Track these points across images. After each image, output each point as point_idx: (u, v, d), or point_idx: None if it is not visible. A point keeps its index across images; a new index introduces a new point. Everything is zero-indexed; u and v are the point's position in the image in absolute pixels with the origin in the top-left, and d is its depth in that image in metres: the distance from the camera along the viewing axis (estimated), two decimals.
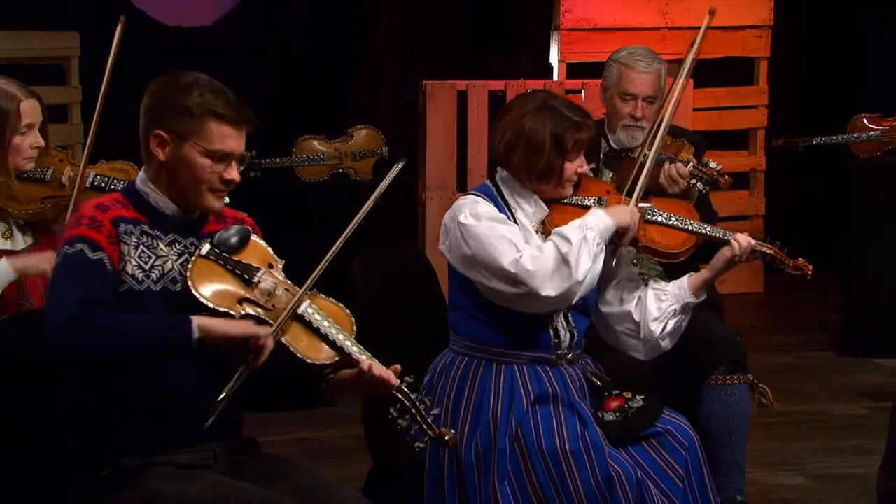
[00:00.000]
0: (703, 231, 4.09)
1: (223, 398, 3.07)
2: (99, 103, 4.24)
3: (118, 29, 4.20)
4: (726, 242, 4.05)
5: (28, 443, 3.35)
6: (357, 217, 3.33)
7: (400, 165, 3.33)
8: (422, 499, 3.87)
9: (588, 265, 3.75)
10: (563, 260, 3.73)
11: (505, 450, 3.77)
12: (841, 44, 8.49)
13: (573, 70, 8.05)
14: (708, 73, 7.89)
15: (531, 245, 3.80)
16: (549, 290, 3.74)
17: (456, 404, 3.87)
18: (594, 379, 3.94)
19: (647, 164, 4.08)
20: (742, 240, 4.04)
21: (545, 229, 3.93)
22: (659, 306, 4.01)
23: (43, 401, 3.29)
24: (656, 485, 3.77)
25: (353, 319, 3.29)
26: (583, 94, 7.42)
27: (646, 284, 4.10)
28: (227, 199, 3.45)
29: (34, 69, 7.17)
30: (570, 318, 3.90)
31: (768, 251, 4.08)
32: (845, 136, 7.08)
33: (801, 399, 6.16)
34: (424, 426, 3.23)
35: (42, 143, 4.09)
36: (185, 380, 3.19)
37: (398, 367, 3.25)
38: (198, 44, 7.82)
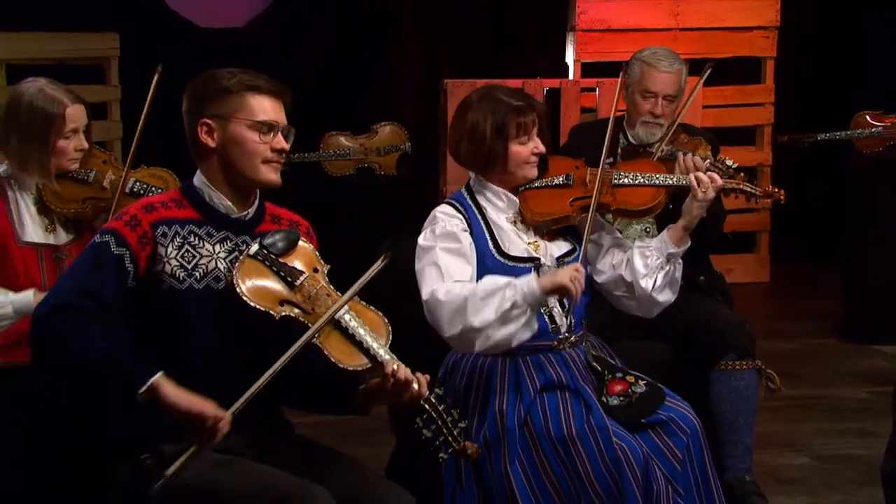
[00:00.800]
0: (669, 182, 4.04)
1: (171, 474, 2.99)
2: (136, 139, 4.23)
3: (154, 78, 4.18)
4: (689, 184, 3.99)
5: (73, 429, 3.34)
6: (373, 269, 3.26)
7: (384, 261, 3.24)
8: (440, 478, 3.83)
9: (489, 317, 3.65)
10: (466, 299, 3.66)
11: (514, 435, 3.75)
12: (844, 43, 8.44)
13: (588, 69, 8.02)
14: (717, 73, 7.82)
15: (461, 281, 3.73)
16: (448, 327, 3.69)
17: (465, 397, 3.84)
18: (594, 363, 3.89)
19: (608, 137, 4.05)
20: (702, 178, 3.97)
21: (524, 218, 3.91)
22: (645, 263, 3.96)
23: (87, 389, 3.25)
24: (660, 470, 3.74)
25: (389, 328, 3.25)
26: (597, 92, 7.40)
27: (632, 245, 4.03)
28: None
29: (76, 69, 7.19)
30: (566, 302, 3.85)
31: (735, 185, 4.03)
32: (848, 133, 7.06)
33: (805, 384, 6.13)
34: (450, 438, 3.18)
35: (86, 145, 4.12)
36: (215, 371, 3.16)
37: (428, 376, 3.21)
38: (229, 45, 7.81)
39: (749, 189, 4.04)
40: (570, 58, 8.12)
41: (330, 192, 7.30)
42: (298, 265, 3.26)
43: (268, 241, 3.26)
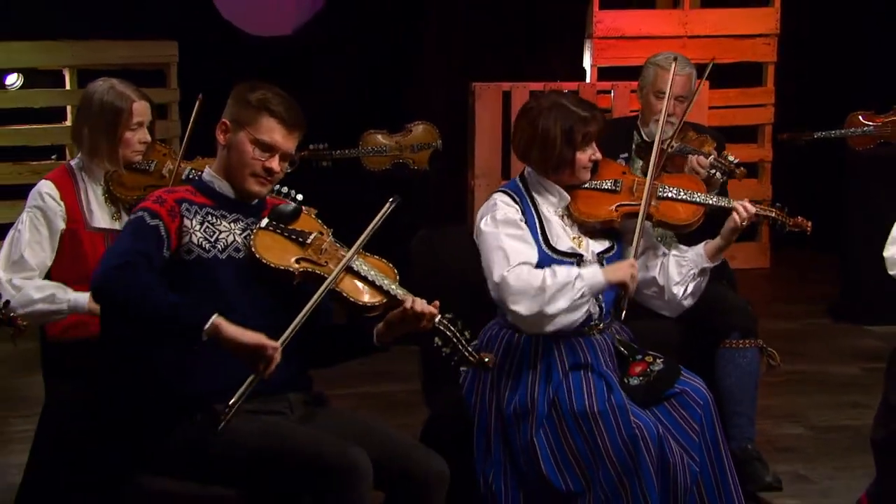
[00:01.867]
0: (710, 202, 4.04)
1: (233, 405, 3.06)
2: (187, 135, 4.29)
3: (196, 105, 4.23)
4: (730, 210, 3.98)
5: (132, 391, 3.37)
6: (378, 216, 3.35)
7: (393, 203, 3.34)
8: (471, 446, 3.86)
9: (562, 306, 3.69)
10: (542, 289, 3.68)
11: (542, 410, 3.77)
12: (839, 50, 8.41)
13: (604, 73, 8.03)
14: (722, 76, 7.86)
15: (528, 263, 3.75)
16: (521, 308, 3.70)
17: (500, 370, 3.84)
18: (621, 347, 3.91)
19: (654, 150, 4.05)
20: (744, 207, 3.97)
21: (570, 214, 3.91)
22: (680, 271, 3.98)
23: (144, 355, 3.30)
24: (675, 439, 3.75)
25: (395, 271, 3.34)
26: (612, 94, 7.39)
27: (667, 253, 4.04)
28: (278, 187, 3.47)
29: (139, 73, 7.22)
30: (599, 296, 3.85)
31: (769, 213, 4.02)
32: (842, 131, 7.04)
33: (803, 360, 6.14)
34: (465, 353, 3.25)
35: (149, 139, 4.16)
36: (256, 324, 3.17)
37: (437, 302, 3.26)
38: (276, 51, 7.84)
39: (780, 219, 4.00)
40: (587, 63, 8.13)
41: (367, 185, 7.30)
42: (305, 229, 3.34)
43: (274, 213, 3.35)
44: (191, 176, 4.20)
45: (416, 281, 3.91)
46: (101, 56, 7.46)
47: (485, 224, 3.84)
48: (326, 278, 3.21)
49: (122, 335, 3.33)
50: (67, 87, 7.62)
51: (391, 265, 3.35)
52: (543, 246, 3.83)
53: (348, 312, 3.29)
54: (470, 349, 3.26)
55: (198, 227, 3.28)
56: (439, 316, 3.25)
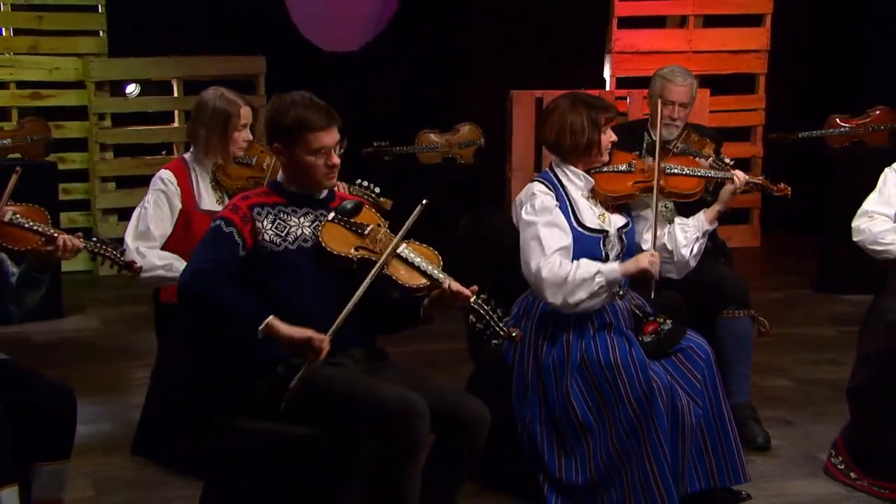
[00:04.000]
0: (710, 174, 4.11)
1: (293, 386, 3.08)
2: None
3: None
4: (728, 179, 4.09)
5: (222, 349, 3.40)
6: (414, 214, 3.28)
7: (422, 207, 3.27)
8: (509, 395, 3.87)
9: (582, 297, 3.70)
10: (566, 282, 3.70)
11: (575, 362, 3.78)
12: (819, 64, 8.35)
13: (621, 82, 7.98)
14: (720, 85, 7.83)
15: (561, 252, 3.74)
16: (551, 297, 3.73)
17: (536, 331, 3.85)
18: (636, 310, 3.91)
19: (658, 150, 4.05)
20: (739, 175, 4.09)
21: (595, 195, 3.91)
22: (685, 235, 3.99)
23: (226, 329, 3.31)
24: (682, 387, 3.76)
25: (439, 257, 3.31)
26: (628, 100, 7.34)
27: (670, 222, 4.06)
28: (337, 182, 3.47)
29: (233, 83, 7.25)
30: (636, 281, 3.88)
31: (758, 181, 4.15)
32: (823, 132, 7.03)
33: (788, 325, 6.09)
34: (497, 328, 3.23)
35: (251, 137, 4.21)
36: (313, 308, 3.21)
37: (475, 287, 3.25)
38: (346, 64, 7.86)
39: (767, 186, 4.14)
40: (607, 74, 8.09)
41: (421, 176, 7.32)
42: (365, 222, 3.33)
43: (339, 209, 3.33)
44: None
45: (462, 256, 3.93)
46: (202, 69, 7.51)
47: (525, 213, 3.83)
48: (378, 260, 3.20)
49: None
50: (175, 94, 7.68)
51: (436, 252, 3.33)
52: (575, 224, 3.83)
53: (399, 292, 3.29)
54: (501, 325, 3.24)
55: (269, 226, 3.27)
56: (474, 297, 3.23)
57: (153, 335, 4.39)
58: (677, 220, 4.06)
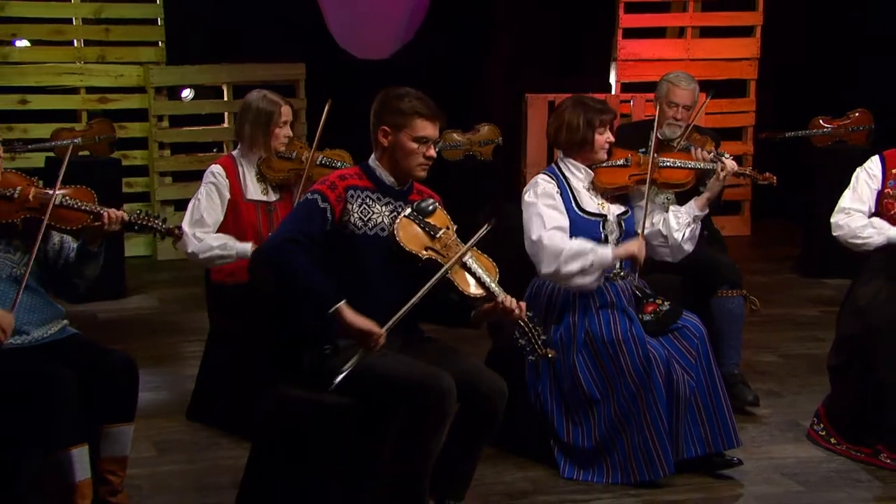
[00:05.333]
0: (700, 166, 4.07)
1: (346, 370, 3.03)
2: (319, 130, 4.28)
3: (326, 107, 4.23)
4: (717, 169, 4.03)
5: (273, 328, 3.41)
6: (482, 229, 3.25)
7: (489, 226, 3.23)
8: (524, 370, 3.86)
9: (574, 269, 3.67)
10: (561, 252, 3.67)
11: (580, 339, 3.77)
12: (803, 71, 8.29)
13: (625, 87, 7.93)
14: (717, 90, 7.76)
15: (559, 230, 3.72)
16: (545, 267, 3.70)
17: (548, 309, 3.85)
18: (636, 291, 3.90)
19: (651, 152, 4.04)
20: (727, 164, 4.01)
21: (595, 187, 3.89)
22: (678, 221, 3.97)
23: (295, 302, 3.29)
24: (678, 362, 3.75)
25: (497, 270, 3.25)
26: (631, 103, 7.32)
27: (666, 210, 4.03)
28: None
29: (276, 87, 7.26)
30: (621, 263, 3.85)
31: (745, 171, 4.08)
32: (807, 132, 6.96)
33: (775, 305, 6.06)
34: (535, 346, 3.19)
35: (291, 134, 4.21)
36: (380, 292, 3.18)
37: (524, 304, 3.21)
38: (377, 70, 7.84)
39: (753, 175, 4.06)
40: (612, 79, 8.03)
41: (446, 172, 7.31)
42: (437, 224, 3.26)
43: (417, 206, 3.27)
44: (323, 163, 4.24)
45: (482, 242, 3.90)
46: (249, 75, 7.50)
47: (528, 196, 3.84)
48: (443, 266, 3.15)
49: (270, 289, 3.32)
50: (225, 98, 7.69)
51: (495, 265, 3.26)
52: (575, 209, 3.82)
53: (457, 296, 3.22)
54: (540, 343, 3.19)
55: (357, 210, 3.22)
56: (523, 314, 3.18)
57: (205, 313, 4.41)
58: (671, 207, 4.06)
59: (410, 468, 3.10)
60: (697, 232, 4.01)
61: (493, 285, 3.19)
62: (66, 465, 3.09)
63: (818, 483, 3.79)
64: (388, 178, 3.31)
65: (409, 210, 3.27)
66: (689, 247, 3.99)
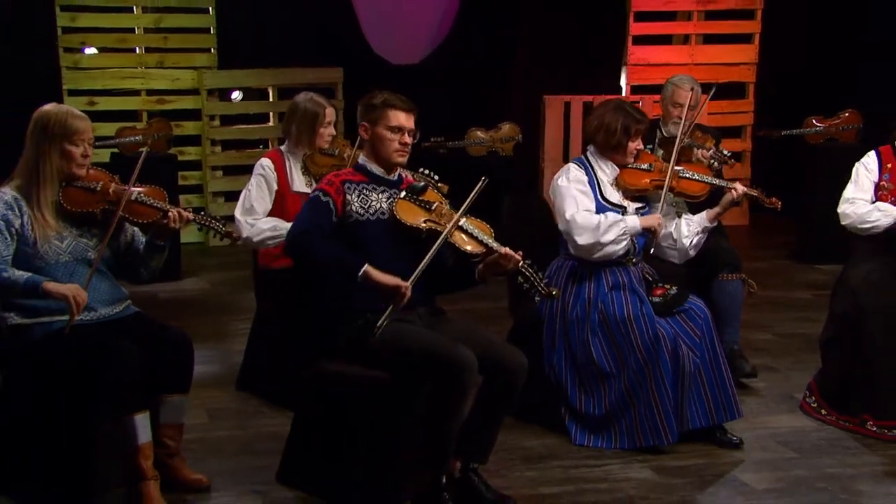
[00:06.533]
0: (715, 182, 4.03)
1: (381, 325, 3.06)
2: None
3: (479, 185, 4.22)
4: (728, 189, 4.01)
5: (310, 303, 3.42)
6: (474, 191, 3.24)
7: (478, 188, 3.23)
8: (542, 345, 3.86)
9: (611, 238, 3.69)
10: (598, 225, 3.68)
11: (594, 316, 3.76)
12: (797, 74, 8.20)
13: (635, 90, 7.89)
14: (716, 92, 7.64)
15: (589, 210, 3.72)
16: (582, 239, 3.69)
17: (565, 288, 3.84)
18: (647, 276, 3.88)
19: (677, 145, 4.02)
20: (738, 187, 4.01)
21: (617, 183, 3.87)
22: (688, 229, 3.96)
23: (329, 279, 3.31)
24: (684, 340, 3.73)
25: (491, 229, 3.30)
26: (640, 104, 7.23)
27: (679, 216, 4.00)
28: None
29: (317, 90, 7.26)
30: (634, 238, 3.83)
31: (753, 193, 4.04)
32: (801, 130, 6.90)
33: (771, 288, 6.00)
34: (539, 288, 3.21)
35: (334, 132, 4.22)
36: (388, 269, 3.17)
37: (521, 252, 3.23)
38: (409, 73, 7.83)
39: (761, 198, 4.03)
40: (623, 82, 8.00)
41: (469, 167, 7.29)
42: (431, 199, 3.31)
43: (410, 188, 3.32)
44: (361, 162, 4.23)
45: (504, 230, 3.90)
46: (292, 78, 7.53)
47: (561, 180, 3.83)
48: (443, 233, 3.20)
49: (310, 273, 3.36)
50: (271, 99, 7.72)
51: (488, 225, 3.31)
52: (600, 198, 3.82)
53: (458, 258, 3.27)
54: (542, 284, 3.23)
55: (356, 199, 3.26)
56: (522, 261, 3.21)
57: (252, 294, 4.43)
58: (684, 215, 4.06)
59: (435, 435, 3.11)
60: (703, 241, 4.01)
61: (490, 241, 3.23)
62: (131, 428, 3.14)
63: (810, 450, 3.78)
64: (377, 170, 3.35)
65: (403, 192, 3.32)
66: (693, 252, 4.00)
